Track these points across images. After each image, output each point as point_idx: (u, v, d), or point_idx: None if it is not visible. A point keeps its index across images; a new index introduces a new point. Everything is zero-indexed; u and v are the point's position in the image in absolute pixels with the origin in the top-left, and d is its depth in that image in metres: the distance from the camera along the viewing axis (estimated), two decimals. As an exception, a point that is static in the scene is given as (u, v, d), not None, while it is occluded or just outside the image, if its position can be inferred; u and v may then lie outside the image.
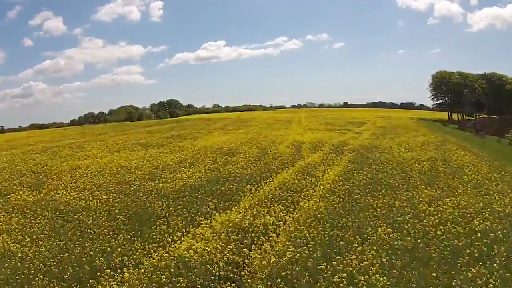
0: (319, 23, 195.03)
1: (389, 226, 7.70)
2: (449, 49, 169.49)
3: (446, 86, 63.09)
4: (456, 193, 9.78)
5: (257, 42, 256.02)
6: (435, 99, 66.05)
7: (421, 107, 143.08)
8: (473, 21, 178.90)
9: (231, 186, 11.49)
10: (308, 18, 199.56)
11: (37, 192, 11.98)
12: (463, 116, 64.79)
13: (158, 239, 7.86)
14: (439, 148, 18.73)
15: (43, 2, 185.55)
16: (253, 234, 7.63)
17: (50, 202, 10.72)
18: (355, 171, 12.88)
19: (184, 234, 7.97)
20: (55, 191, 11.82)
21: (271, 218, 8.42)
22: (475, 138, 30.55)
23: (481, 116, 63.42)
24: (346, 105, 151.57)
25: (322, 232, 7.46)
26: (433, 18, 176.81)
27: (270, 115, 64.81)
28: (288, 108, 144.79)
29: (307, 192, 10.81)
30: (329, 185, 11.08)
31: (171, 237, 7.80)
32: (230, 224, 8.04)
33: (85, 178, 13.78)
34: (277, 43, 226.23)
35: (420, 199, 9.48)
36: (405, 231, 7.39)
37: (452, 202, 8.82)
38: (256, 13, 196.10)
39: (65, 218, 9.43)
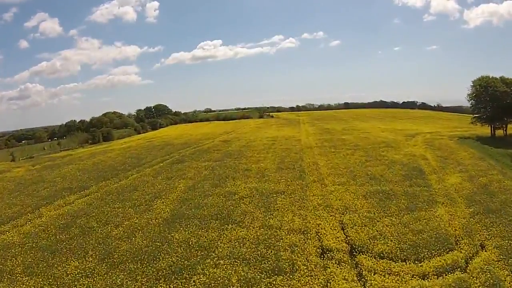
0: (315, 21, 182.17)
1: None
2: (445, 45, 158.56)
3: (490, 95, 49.67)
4: None
5: (253, 41, 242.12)
6: (476, 110, 52.50)
7: (424, 106, 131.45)
8: (469, 17, 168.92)
9: None
10: (304, 16, 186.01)
11: None
12: (505, 132, 51.80)
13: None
14: None
15: (39, 3, 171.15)
16: None
17: None
18: None
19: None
20: None
21: None
22: None
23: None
24: (347, 105, 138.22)
25: None
26: (429, 15, 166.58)
27: (266, 135, 51.07)
28: (287, 109, 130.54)
29: None
30: None
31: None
32: None
33: None
34: (273, 41, 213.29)
35: None
36: None
37: None
38: (252, 12, 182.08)
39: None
